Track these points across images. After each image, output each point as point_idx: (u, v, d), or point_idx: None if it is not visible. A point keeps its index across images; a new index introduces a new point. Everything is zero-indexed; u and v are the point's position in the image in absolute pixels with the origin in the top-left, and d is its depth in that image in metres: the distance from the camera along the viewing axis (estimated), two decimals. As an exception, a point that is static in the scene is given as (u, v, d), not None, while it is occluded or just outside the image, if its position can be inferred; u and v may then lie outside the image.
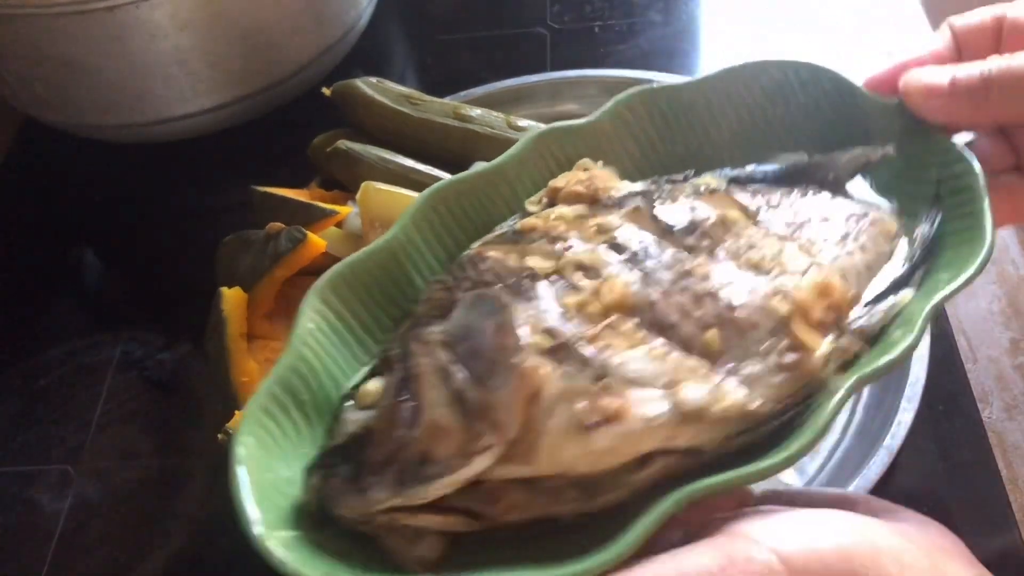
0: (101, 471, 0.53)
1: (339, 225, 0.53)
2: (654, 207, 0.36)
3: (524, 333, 0.31)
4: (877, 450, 0.44)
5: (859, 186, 0.39)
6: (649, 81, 0.63)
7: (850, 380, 0.30)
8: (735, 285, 0.33)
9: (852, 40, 0.70)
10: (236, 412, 0.43)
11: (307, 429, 0.35)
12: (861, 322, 0.33)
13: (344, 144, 0.56)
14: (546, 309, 0.32)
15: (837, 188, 0.38)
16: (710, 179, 0.39)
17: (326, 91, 0.60)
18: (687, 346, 0.32)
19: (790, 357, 0.31)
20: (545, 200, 0.39)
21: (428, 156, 0.57)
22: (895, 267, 0.35)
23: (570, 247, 0.35)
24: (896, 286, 0.34)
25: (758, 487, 0.32)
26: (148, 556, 0.49)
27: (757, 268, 0.34)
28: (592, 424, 0.30)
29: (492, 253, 0.35)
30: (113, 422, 0.55)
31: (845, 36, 0.71)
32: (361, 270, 0.38)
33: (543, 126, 0.57)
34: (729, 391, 0.31)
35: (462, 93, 0.64)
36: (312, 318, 0.36)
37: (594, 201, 0.38)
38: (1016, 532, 0.43)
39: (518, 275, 0.34)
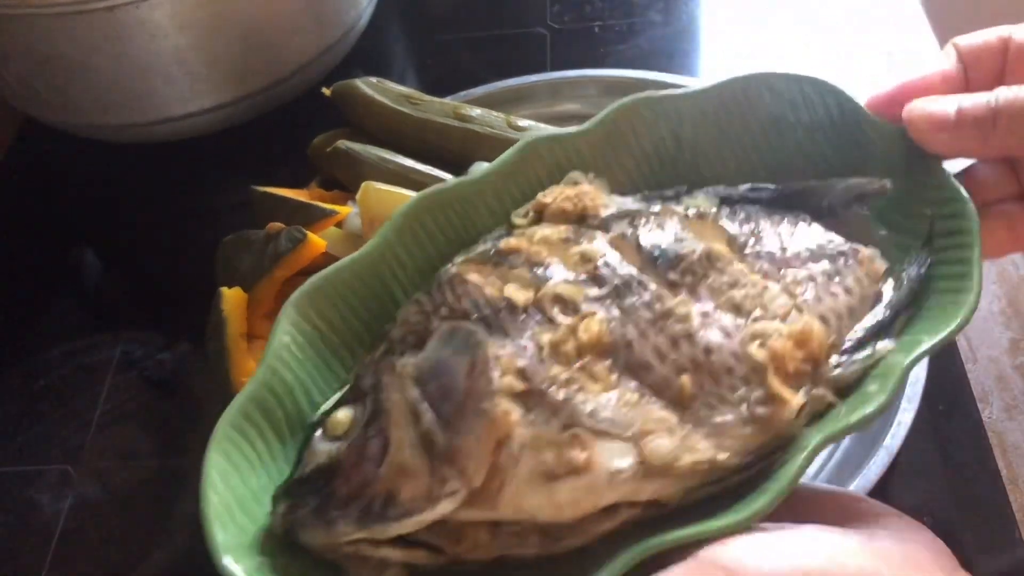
0: (101, 471, 0.53)
1: (339, 225, 0.53)
2: (639, 235, 0.36)
3: (496, 375, 0.31)
4: (877, 450, 0.44)
5: (854, 215, 0.38)
6: (649, 81, 0.64)
7: (817, 439, 0.30)
8: (714, 327, 0.33)
9: (852, 40, 0.70)
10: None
11: (280, 446, 0.35)
12: (838, 371, 0.32)
13: (344, 144, 0.56)
14: (521, 346, 0.32)
15: (830, 217, 0.38)
16: (701, 200, 0.39)
17: (326, 91, 0.60)
18: (660, 390, 0.32)
19: (762, 409, 0.31)
20: (532, 214, 0.39)
21: (428, 156, 0.57)
22: (879, 311, 0.34)
23: (550, 277, 0.34)
24: (879, 332, 0.33)
25: None
26: (148, 556, 0.49)
27: (738, 309, 0.33)
28: (557, 475, 0.30)
29: (472, 276, 0.35)
30: (113, 422, 0.55)
31: (845, 36, 0.71)
32: (339, 282, 0.37)
33: (543, 126, 0.58)
34: (696, 444, 0.30)
35: (462, 93, 0.64)
36: (288, 331, 0.36)
37: (581, 219, 0.38)
38: (1016, 532, 0.43)
39: (495, 305, 0.34)
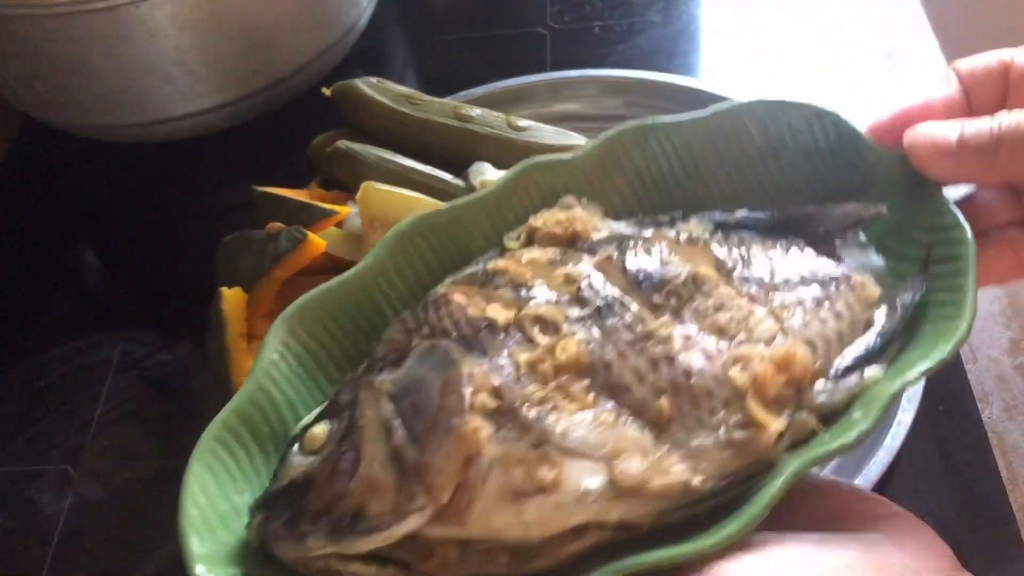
0: (101, 471, 0.53)
1: (339, 225, 0.53)
2: (625, 258, 0.36)
3: (468, 393, 0.31)
4: (877, 450, 0.44)
5: (850, 240, 0.37)
6: (649, 81, 0.64)
7: (795, 465, 0.29)
8: (695, 350, 0.32)
9: (852, 40, 0.70)
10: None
11: (264, 461, 0.35)
12: (823, 397, 0.32)
13: (344, 144, 0.56)
14: (498, 365, 0.32)
15: (826, 243, 0.37)
16: (694, 225, 0.38)
17: (326, 91, 0.60)
18: (637, 411, 0.31)
19: (740, 434, 0.30)
20: (524, 238, 0.39)
21: (428, 156, 0.57)
22: (870, 338, 0.34)
23: (533, 297, 0.34)
24: (868, 359, 0.33)
25: None
26: (148, 556, 0.49)
27: (721, 332, 0.33)
28: (525, 493, 0.30)
29: (456, 297, 0.35)
30: (113, 422, 0.55)
31: (845, 36, 0.71)
32: (330, 301, 0.37)
33: (543, 126, 0.58)
34: (670, 466, 0.30)
35: (462, 93, 0.64)
36: (277, 348, 0.36)
37: (571, 243, 0.38)
38: (1016, 532, 0.43)
39: (476, 325, 0.34)
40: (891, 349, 0.33)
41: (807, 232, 0.38)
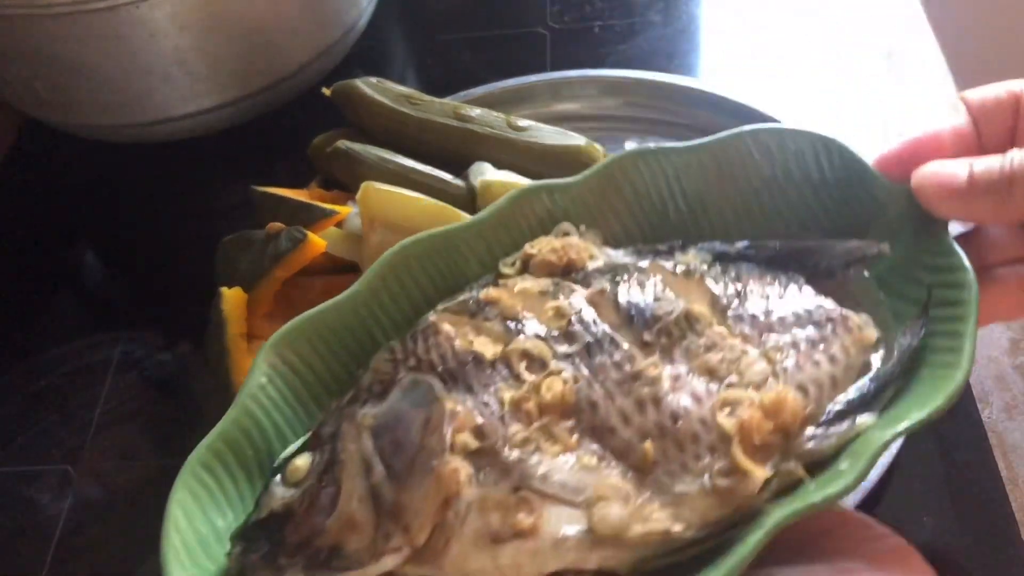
0: (101, 471, 0.53)
1: (339, 225, 0.53)
2: (618, 292, 0.35)
3: (449, 432, 0.31)
4: (877, 450, 0.44)
5: (851, 278, 0.37)
6: (649, 81, 0.64)
7: (777, 518, 0.29)
8: (684, 392, 0.32)
9: (852, 40, 0.70)
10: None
11: (249, 487, 0.35)
12: (812, 444, 0.31)
13: (344, 144, 0.56)
14: (481, 402, 0.32)
15: (827, 279, 0.37)
16: (692, 256, 0.38)
17: (326, 91, 0.60)
18: (621, 454, 0.31)
19: (724, 481, 0.30)
20: (519, 264, 0.39)
21: (428, 156, 0.57)
22: (864, 383, 0.33)
23: (521, 331, 0.34)
24: (861, 405, 0.32)
25: None
26: (148, 556, 0.49)
27: (712, 374, 0.32)
28: (502, 538, 0.30)
29: (445, 327, 0.35)
30: (113, 422, 0.55)
31: (845, 36, 0.71)
32: (321, 324, 0.37)
33: (543, 126, 0.58)
34: (651, 513, 0.30)
35: (462, 93, 0.64)
36: (265, 372, 0.36)
37: (566, 272, 0.37)
38: (1016, 532, 0.43)
39: (462, 359, 0.33)
40: (886, 394, 0.32)
41: (808, 267, 0.37)
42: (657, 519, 0.30)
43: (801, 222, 0.39)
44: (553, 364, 0.33)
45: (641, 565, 0.30)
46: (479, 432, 0.31)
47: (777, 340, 0.34)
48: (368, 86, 0.59)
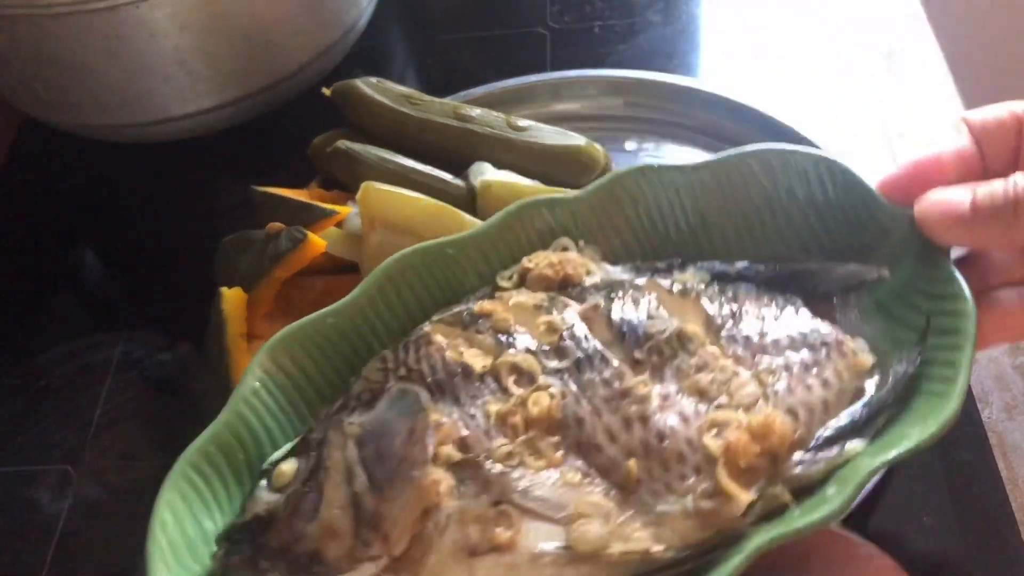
0: (101, 471, 0.53)
1: (339, 225, 0.53)
2: (611, 309, 0.35)
3: (432, 444, 0.31)
4: (877, 450, 0.44)
5: (850, 302, 0.37)
6: (649, 81, 0.64)
7: (757, 542, 0.29)
8: (672, 411, 0.32)
9: (852, 40, 0.70)
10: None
11: (238, 489, 0.35)
12: (799, 469, 0.31)
13: (344, 144, 0.56)
14: (468, 414, 0.32)
15: (825, 303, 0.37)
16: (690, 275, 0.38)
17: (326, 91, 0.60)
18: (606, 471, 0.31)
19: (707, 503, 0.30)
20: (516, 278, 0.39)
21: (428, 156, 0.57)
22: (856, 409, 0.33)
23: (512, 345, 0.34)
24: (852, 431, 0.32)
25: None
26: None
27: (701, 394, 0.32)
28: (479, 551, 0.30)
29: (437, 337, 0.35)
30: (113, 422, 0.55)
31: (845, 36, 0.71)
32: (316, 332, 0.37)
33: (543, 126, 0.58)
34: (632, 533, 0.30)
35: (462, 93, 0.64)
36: (259, 377, 0.36)
37: (562, 286, 0.37)
38: (1016, 532, 0.43)
39: (451, 370, 0.34)
40: (878, 421, 0.32)
41: (807, 289, 0.37)
42: (637, 538, 0.30)
43: (803, 243, 0.39)
44: (542, 379, 0.33)
45: None
46: (463, 444, 0.31)
47: (770, 362, 0.34)
48: (368, 86, 0.59)
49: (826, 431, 0.32)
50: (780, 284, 0.37)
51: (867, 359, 0.34)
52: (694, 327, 0.34)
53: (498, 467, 0.31)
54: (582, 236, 0.40)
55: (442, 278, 0.39)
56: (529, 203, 0.40)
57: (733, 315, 0.35)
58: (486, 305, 0.36)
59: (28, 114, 0.70)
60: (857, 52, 0.69)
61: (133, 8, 0.58)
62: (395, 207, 0.49)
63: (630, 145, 0.62)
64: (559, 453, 0.32)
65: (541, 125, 0.58)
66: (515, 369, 0.34)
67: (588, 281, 0.38)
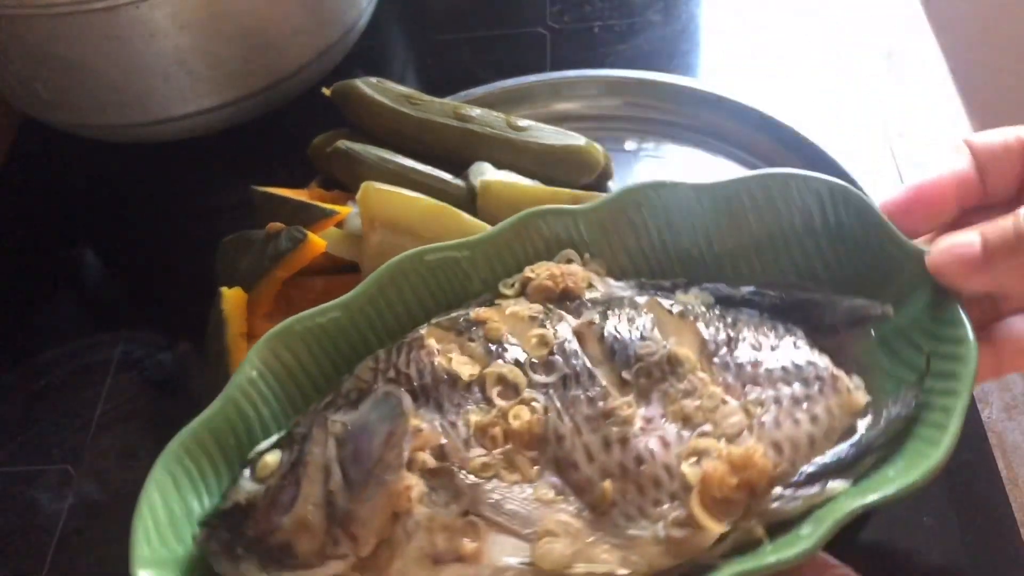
0: (101, 471, 0.53)
1: (339, 225, 0.52)
2: (605, 326, 0.35)
3: (408, 449, 0.31)
4: (877, 450, 0.44)
5: (853, 337, 0.36)
6: (649, 81, 0.64)
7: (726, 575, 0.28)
8: (653, 436, 0.32)
9: (852, 40, 0.70)
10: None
11: (228, 473, 0.35)
12: (777, 504, 0.31)
13: (344, 144, 0.56)
14: (449, 422, 0.33)
15: (827, 336, 0.36)
16: (693, 297, 0.38)
17: (326, 91, 0.60)
18: (580, 490, 0.31)
19: (678, 532, 0.30)
20: (518, 286, 0.39)
21: (428, 156, 0.57)
22: (843, 448, 0.32)
23: (502, 356, 0.34)
24: (837, 470, 0.32)
25: None
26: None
27: (686, 420, 0.32)
28: (443, 560, 0.30)
29: (431, 341, 0.35)
30: (113, 422, 0.55)
31: (845, 36, 0.71)
32: (317, 325, 0.38)
33: (543, 126, 0.58)
34: (598, 555, 0.30)
35: (462, 93, 0.64)
36: (257, 367, 0.36)
37: (561, 299, 0.37)
38: (1016, 532, 0.43)
39: (438, 376, 0.34)
40: (865, 461, 0.32)
41: (811, 320, 0.37)
42: (603, 560, 0.30)
43: (812, 270, 0.39)
44: (526, 392, 0.33)
45: None
46: (439, 452, 0.32)
47: (760, 393, 0.33)
48: (368, 86, 0.59)
49: (810, 468, 0.32)
50: (784, 312, 0.37)
51: (861, 398, 0.34)
52: (686, 351, 0.34)
53: (471, 478, 0.31)
54: (589, 248, 0.40)
55: (445, 281, 0.39)
56: (537, 212, 0.40)
57: (729, 341, 0.35)
58: (482, 312, 0.36)
59: (28, 114, 0.70)
60: (857, 52, 0.69)
61: (133, 8, 0.58)
62: (395, 207, 0.49)
63: (630, 145, 0.62)
64: (535, 468, 0.32)
65: (541, 125, 0.58)
66: (501, 380, 0.34)
67: (588, 295, 0.37)
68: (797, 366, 0.35)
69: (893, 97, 0.65)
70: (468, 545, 0.30)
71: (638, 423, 0.32)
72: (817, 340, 0.36)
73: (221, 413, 0.35)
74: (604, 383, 0.33)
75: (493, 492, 0.31)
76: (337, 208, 0.52)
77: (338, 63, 0.72)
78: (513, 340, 0.35)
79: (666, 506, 0.31)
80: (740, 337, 0.35)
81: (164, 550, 0.32)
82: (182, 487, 0.34)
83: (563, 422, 0.32)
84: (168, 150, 0.69)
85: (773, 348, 0.35)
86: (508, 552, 0.30)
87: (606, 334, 0.35)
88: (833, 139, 0.56)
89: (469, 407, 0.33)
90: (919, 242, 0.36)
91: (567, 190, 0.52)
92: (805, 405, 0.33)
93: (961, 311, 0.33)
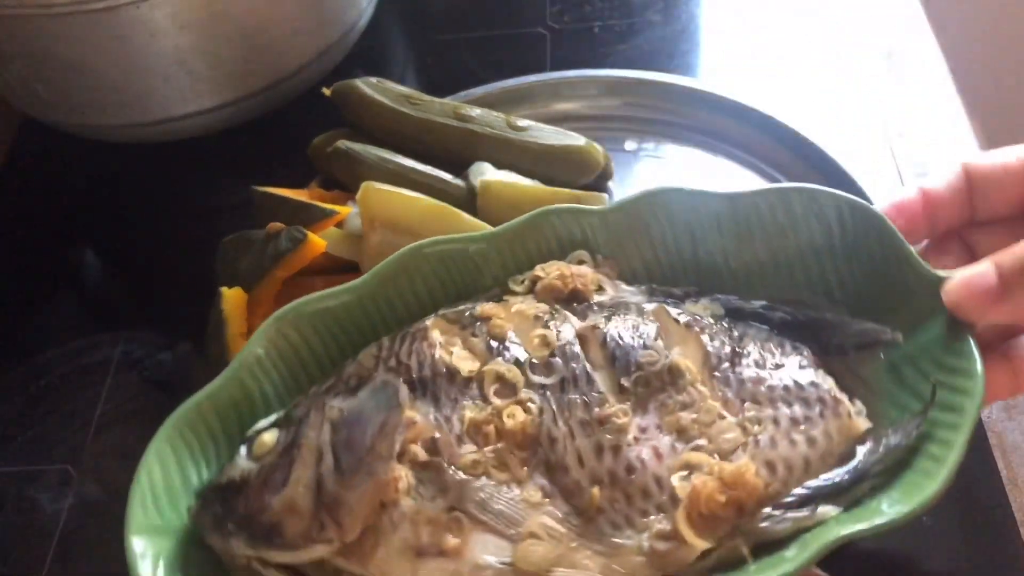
0: (101, 471, 0.53)
1: (339, 225, 0.53)
2: (608, 332, 0.35)
3: (400, 441, 0.32)
4: (877, 450, 0.44)
5: (861, 360, 0.36)
6: (649, 81, 0.64)
7: None
8: (645, 446, 0.32)
9: (852, 40, 0.70)
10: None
11: (228, 448, 0.36)
12: (765, 524, 0.31)
13: (344, 144, 0.56)
14: (443, 416, 0.33)
15: (839, 356, 0.36)
16: (703, 307, 0.37)
17: (326, 91, 0.60)
18: (569, 494, 0.31)
19: (662, 545, 0.30)
20: (527, 283, 0.39)
21: (428, 156, 0.57)
22: (838, 472, 0.32)
23: (502, 354, 0.34)
24: (830, 494, 0.31)
25: None
26: (148, 556, 0.49)
27: (680, 433, 0.32)
28: (426, 553, 0.30)
29: (434, 333, 0.35)
30: (113, 422, 0.55)
31: (845, 36, 0.71)
32: (325, 308, 0.38)
33: (543, 126, 0.58)
34: (579, 560, 0.30)
35: (462, 93, 0.64)
36: (263, 345, 0.37)
37: (570, 300, 0.37)
38: (1016, 533, 0.43)
39: (437, 370, 0.34)
40: (860, 488, 0.32)
41: (820, 340, 0.36)
42: (584, 567, 0.30)
43: (827, 288, 0.38)
44: (523, 392, 0.33)
45: None
46: (431, 446, 0.32)
47: (758, 412, 0.33)
48: (368, 86, 0.59)
49: (802, 490, 0.32)
50: (794, 329, 0.37)
51: (862, 424, 0.34)
52: (688, 363, 0.34)
53: (460, 474, 0.31)
54: (603, 250, 0.40)
55: (456, 273, 0.39)
56: (553, 210, 0.40)
57: (732, 356, 0.35)
58: (488, 308, 0.36)
59: (28, 114, 0.70)
60: (857, 52, 0.69)
61: (133, 8, 0.58)
62: (395, 207, 0.49)
63: (630, 145, 0.62)
64: (525, 469, 0.32)
65: (541, 125, 0.58)
66: (499, 378, 0.34)
67: (596, 298, 0.37)
68: (799, 386, 0.34)
69: (893, 97, 0.65)
70: (451, 540, 0.30)
71: (632, 432, 0.32)
72: (825, 360, 0.36)
73: (225, 388, 0.35)
74: (602, 389, 0.33)
75: (480, 490, 0.31)
76: (337, 208, 0.52)
77: (338, 63, 0.72)
78: (515, 339, 0.35)
79: (652, 517, 0.31)
80: (745, 352, 0.35)
81: (159, 518, 0.33)
82: (181, 458, 0.34)
83: (557, 425, 0.32)
84: (168, 150, 0.69)
85: (777, 366, 0.35)
86: (490, 551, 0.30)
87: (609, 339, 0.35)
88: (833, 139, 0.56)
89: (465, 403, 0.33)
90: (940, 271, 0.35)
91: (567, 190, 0.52)
92: (803, 427, 0.33)
93: (972, 344, 0.33)
